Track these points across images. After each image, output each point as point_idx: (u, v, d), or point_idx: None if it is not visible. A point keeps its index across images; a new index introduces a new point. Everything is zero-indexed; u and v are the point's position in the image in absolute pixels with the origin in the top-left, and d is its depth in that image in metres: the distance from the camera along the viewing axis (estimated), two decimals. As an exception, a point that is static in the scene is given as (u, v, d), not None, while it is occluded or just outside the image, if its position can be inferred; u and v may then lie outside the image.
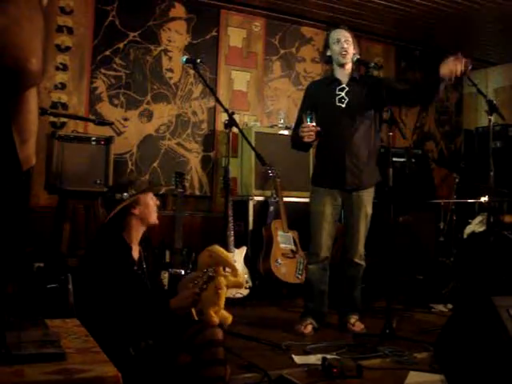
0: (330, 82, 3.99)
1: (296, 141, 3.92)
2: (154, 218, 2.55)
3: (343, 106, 3.87)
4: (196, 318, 2.28)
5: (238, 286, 2.40)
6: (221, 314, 2.26)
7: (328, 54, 4.00)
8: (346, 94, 3.89)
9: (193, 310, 2.28)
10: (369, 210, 3.91)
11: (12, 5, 0.76)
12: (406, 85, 4.15)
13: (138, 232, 2.53)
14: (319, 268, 3.89)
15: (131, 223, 2.50)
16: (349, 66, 3.95)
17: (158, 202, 2.60)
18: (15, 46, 0.75)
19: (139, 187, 2.53)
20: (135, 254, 2.50)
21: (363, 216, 3.88)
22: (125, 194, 2.47)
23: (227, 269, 2.31)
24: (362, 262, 3.92)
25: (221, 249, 2.33)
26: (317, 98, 3.97)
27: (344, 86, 3.92)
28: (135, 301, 2.27)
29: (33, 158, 1.00)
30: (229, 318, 2.29)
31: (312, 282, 3.92)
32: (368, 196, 3.92)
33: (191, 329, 2.26)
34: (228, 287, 2.27)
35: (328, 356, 3.04)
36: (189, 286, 2.28)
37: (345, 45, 3.87)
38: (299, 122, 3.92)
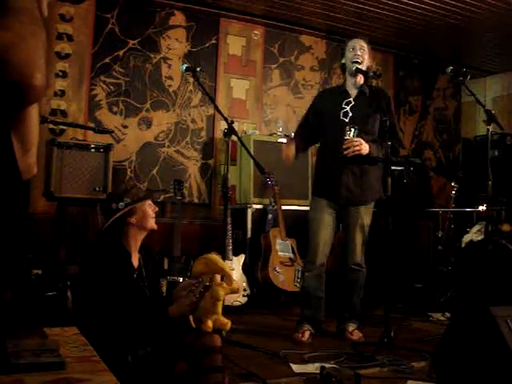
0: (339, 93, 4.01)
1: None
2: (151, 223, 2.53)
3: (346, 120, 3.87)
4: (194, 326, 2.28)
5: (235, 292, 2.40)
6: (219, 321, 2.26)
7: (343, 61, 4.04)
8: (350, 109, 3.89)
9: (190, 318, 2.27)
10: (366, 221, 3.92)
11: (16, 20, 0.77)
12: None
13: (136, 240, 2.52)
14: (315, 275, 3.92)
15: (129, 232, 2.49)
16: (360, 78, 3.94)
17: (156, 209, 2.59)
18: (20, 61, 0.76)
19: (134, 196, 2.53)
20: (134, 261, 2.50)
21: (359, 226, 3.90)
22: (120, 203, 2.47)
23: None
24: (359, 268, 3.93)
25: (217, 257, 2.33)
26: (323, 107, 4.00)
27: (351, 99, 3.93)
28: (133, 308, 2.27)
29: (34, 168, 1.01)
30: (228, 323, 2.29)
31: (308, 290, 3.95)
32: (367, 209, 3.93)
33: (189, 336, 2.25)
34: (225, 296, 2.28)
35: (326, 365, 3.03)
36: (183, 294, 2.28)
37: (358, 52, 3.89)
38: (302, 121, 4.14)
